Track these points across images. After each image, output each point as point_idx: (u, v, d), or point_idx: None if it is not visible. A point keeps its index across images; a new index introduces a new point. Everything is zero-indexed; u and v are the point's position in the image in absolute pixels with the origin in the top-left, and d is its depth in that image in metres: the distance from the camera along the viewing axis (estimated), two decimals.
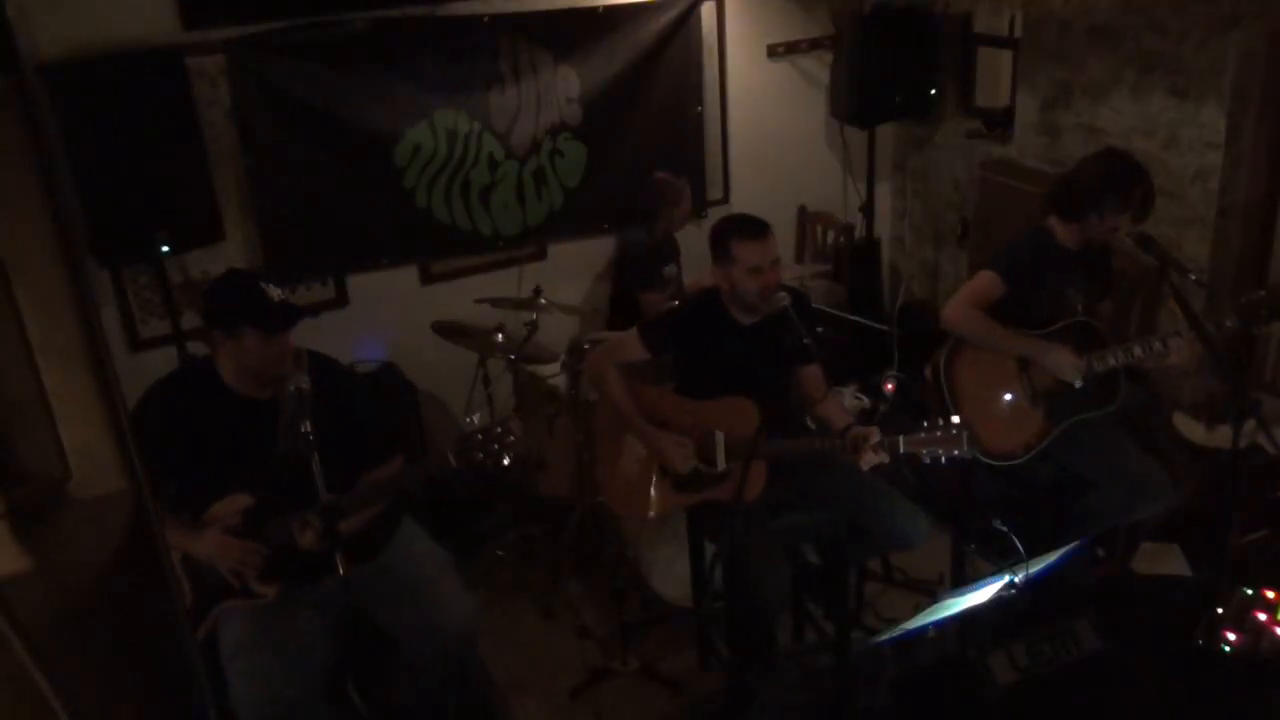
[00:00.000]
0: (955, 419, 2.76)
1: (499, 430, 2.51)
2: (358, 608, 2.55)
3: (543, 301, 3.87)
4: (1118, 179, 3.18)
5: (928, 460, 2.76)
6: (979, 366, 3.27)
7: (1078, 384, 3.17)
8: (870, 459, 2.79)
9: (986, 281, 3.27)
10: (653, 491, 3.05)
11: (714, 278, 3.02)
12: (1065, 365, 3.15)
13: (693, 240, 4.65)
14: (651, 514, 3.13)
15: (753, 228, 2.91)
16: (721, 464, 2.96)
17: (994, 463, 3.21)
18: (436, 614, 2.69)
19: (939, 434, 2.74)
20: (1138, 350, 3.12)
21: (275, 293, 2.52)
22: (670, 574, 3.50)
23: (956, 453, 2.74)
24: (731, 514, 2.62)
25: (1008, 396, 3.25)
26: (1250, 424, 2.92)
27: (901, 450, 2.76)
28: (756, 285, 2.88)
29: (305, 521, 2.47)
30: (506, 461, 2.52)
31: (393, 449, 2.80)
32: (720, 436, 2.95)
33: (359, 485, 2.63)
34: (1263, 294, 3.01)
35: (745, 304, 2.97)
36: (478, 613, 2.78)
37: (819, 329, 3.20)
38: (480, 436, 2.50)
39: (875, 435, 2.77)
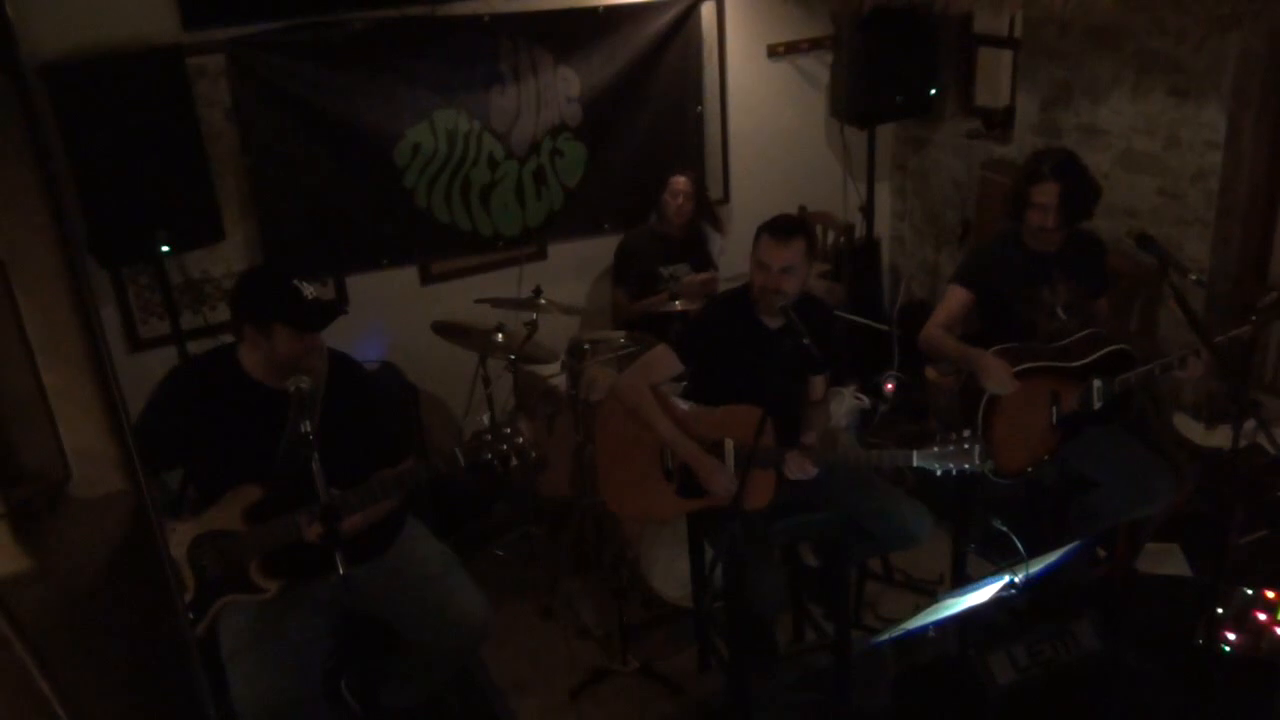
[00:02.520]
0: (967, 432, 2.76)
1: (508, 430, 2.52)
2: (357, 608, 2.55)
3: (543, 301, 3.87)
4: (1021, 175, 3.23)
5: (939, 474, 2.78)
6: (1018, 392, 3.21)
7: (1096, 405, 3.15)
8: (792, 469, 2.85)
9: (952, 296, 3.32)
10: (658, 497, 3.04)
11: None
12: (996, 379, 3.09)
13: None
14: (656, 519, 3.13)
15: (779, 228, 2.92)
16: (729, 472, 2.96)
17: (1002, 481, 3.18)
18: (449, 610, 2.69)
19: (951, 448, 2.75)
20: (1157, 372, 3.12)
21: (309, 290, 2.51)
22: (670, 574, 3.50)
23: (967, 467, 2.75)
24: (729, 518, 2.62)
25: (1037, 419, 3.20)
26: (1250, 424, 2.92)
27: (914, 464, 2.78)
28: (760, 280, 2.91)
29: (312, 515, 2.48)
30: (514, 461, 2.53)
31: (404, 451, 2.80)
32: (730, 444, 2.95)
33: (367, 483, 2.63)
34: (1275, 296, 3.01)
35: (757, 300, 2.98)
36: (490, 608, 2.77)
37: (834, 338, 3.17)
38: (489, 436, 2.51)
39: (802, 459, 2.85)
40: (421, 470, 2.58)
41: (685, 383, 3.22)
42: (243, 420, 2.56)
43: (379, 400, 2.85)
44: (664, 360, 3.03)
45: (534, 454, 2.56)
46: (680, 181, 4.32)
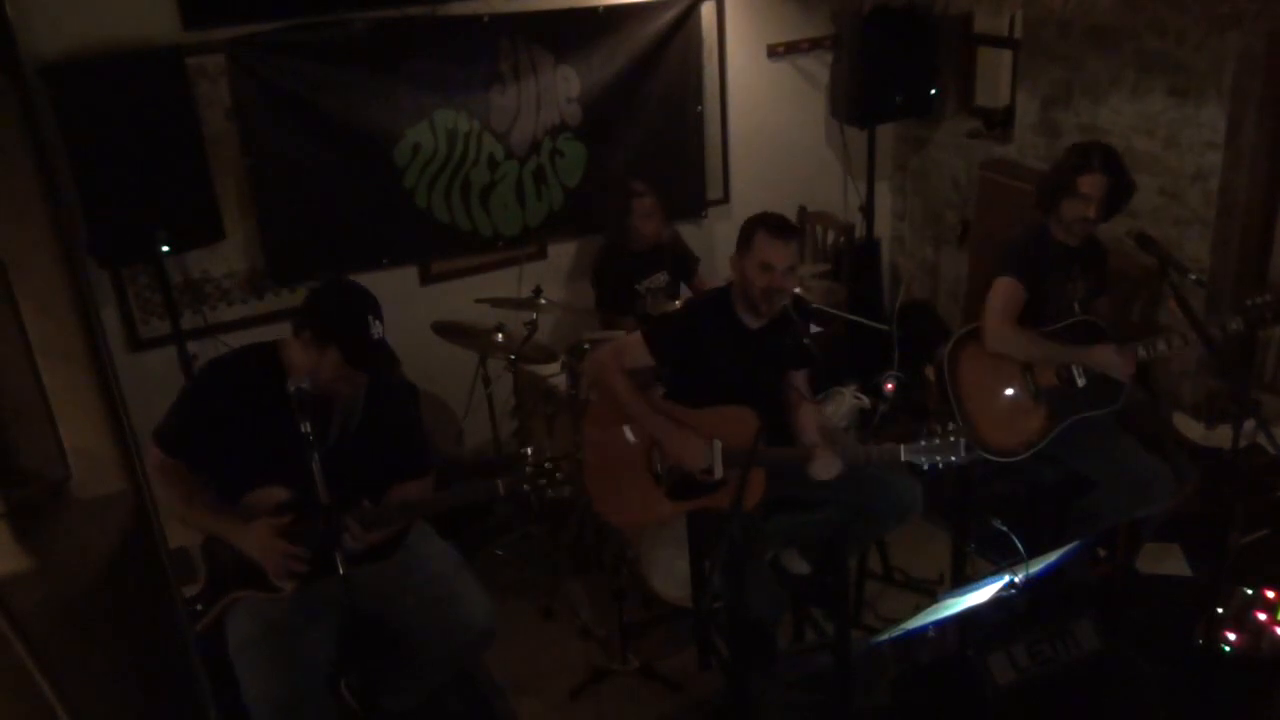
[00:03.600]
0: (952, 425, 2.80)
1: (549, 467, 2.55)
2: (362, 607, 2.55)
3: (543, 301, 3.87)
4: (1066, 165, 3.23)
5: (926, 467, 2.84)
6: (981, 364, 3.27)
7: (1080, 382, 3.18)
8: (820, 470, 2.87)
9: (1010, 289, 3.25)
10: (649, 502, 3.04)
11: (731, 267, 3.03)
12: (1114, 365, 3.17)
13: (695, 241, 4.66)
14: (645, 523, 3.13)
15: (779, 227, 2.93)
16: (719, 472, 2.96)
17: (997, 459, 3.22)
18: (455, 611, 2.68)
19: (937, 441, 2.81)
20: (1161, 345, 3.14)
21: (377, 331, 2.49)
22: (670, 574, 3.49)
23: (954, 459, 2.80)
24: (728, 519, 2.62)
25: (1010, 393, 3.26)
26: (1250, 424, 2.92)
27: (902, 459, 2.83)
28: (763, 283, 2.91)
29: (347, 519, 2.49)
30: (551, 495, 2.56)
31: (428, 465, 2.79)
32: (718, 445, 2.95)
33: (391, 498, 2.64)
34: (1268, 298, 3.01)
35: (750, 302, 2.97)
36: (494, 611, 2.77)
37: (815, 330, 3.20)
38: (530, 470, 2.54)
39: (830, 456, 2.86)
40: (459, 492, 2.59)
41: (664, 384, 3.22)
42: (275, 421, 2.50)
43: (410, 411, 2.83)
44: (636, 348, 3.04)
45: (574, 492, 2.62)
46: (647, 203, 4.21)
